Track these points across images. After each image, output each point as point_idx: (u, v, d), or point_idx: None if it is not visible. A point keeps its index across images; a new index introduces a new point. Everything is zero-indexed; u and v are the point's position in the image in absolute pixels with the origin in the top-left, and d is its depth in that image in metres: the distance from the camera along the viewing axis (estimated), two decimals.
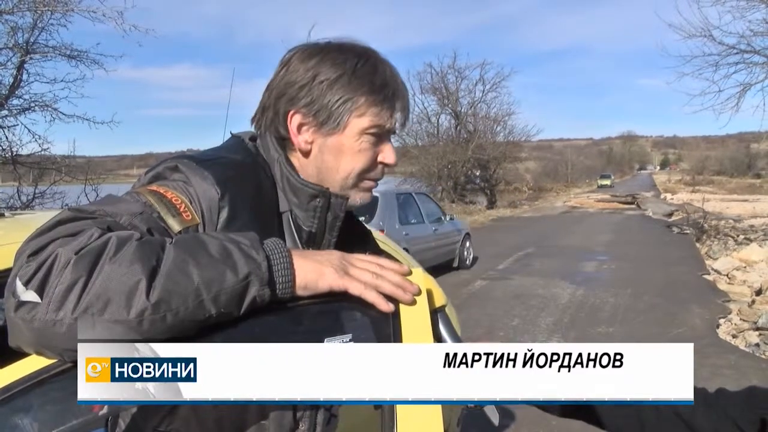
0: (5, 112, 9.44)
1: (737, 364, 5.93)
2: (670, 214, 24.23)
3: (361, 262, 1.00)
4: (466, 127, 33.04)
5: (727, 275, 10.72)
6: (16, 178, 9.58)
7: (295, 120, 1.13)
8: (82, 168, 10.40)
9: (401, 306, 1.00)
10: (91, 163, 12.00)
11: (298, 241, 1.16)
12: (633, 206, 31.44)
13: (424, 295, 1.02)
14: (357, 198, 1.20)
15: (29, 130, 9.55)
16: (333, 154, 1.14)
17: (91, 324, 0.78)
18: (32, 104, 9.63)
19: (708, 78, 14.73)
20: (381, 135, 1.16)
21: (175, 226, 0.96)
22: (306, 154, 1.16)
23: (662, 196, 41.05)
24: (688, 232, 17.36)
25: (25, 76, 9.59)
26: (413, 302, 0.99)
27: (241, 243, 0.89)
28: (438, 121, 33.28)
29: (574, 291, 9.64)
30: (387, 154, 1.18)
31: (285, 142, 1.18)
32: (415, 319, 1.00)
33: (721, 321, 7.70)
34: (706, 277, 10.85)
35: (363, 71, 1.13)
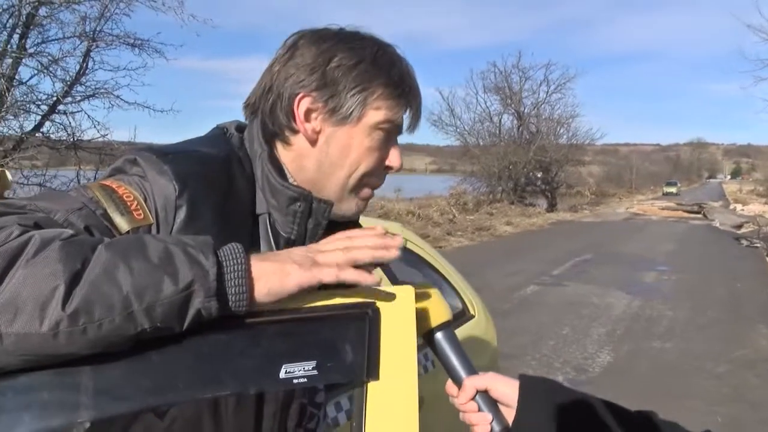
0: (69, 98, 9.75)
1: None
2: (740, 226, 23.11)
3: (328, 243, 0.87)
4: (528, 128, 32.50)
5: None
6: (77, 162, 9.88)
7: (303, 104, 1.00)
8: None
9: (383, 329, 0.85)
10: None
11: (274, 248, 1.02)
12: (699, 216, 30.13)
13: (412, 315, 0.87)
14: (353, 205, 1.07)
15: (89, 117, 9.87)
16: (340, 148, 1.02)
17: None
18: (95, 91, 9.94)
19: None
20: (391, 133, 1.05)
21: (123, 225, 0.85)
22: (312, 143, 1.03)
23: (731, 207, 39.21)
24: (758, 245, 16.48)
25: (90, 64, 9.91)
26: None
27: (188, 246, 0.75)
28: (500, 121, 32.90)
29: (630, 301, 9.23)
30: (393, 156, 1.07)
31: (277, 134, 1.05)
32: (397, 343, 0.85)
33: None
34: None
35: (382, 61, 1.02)
